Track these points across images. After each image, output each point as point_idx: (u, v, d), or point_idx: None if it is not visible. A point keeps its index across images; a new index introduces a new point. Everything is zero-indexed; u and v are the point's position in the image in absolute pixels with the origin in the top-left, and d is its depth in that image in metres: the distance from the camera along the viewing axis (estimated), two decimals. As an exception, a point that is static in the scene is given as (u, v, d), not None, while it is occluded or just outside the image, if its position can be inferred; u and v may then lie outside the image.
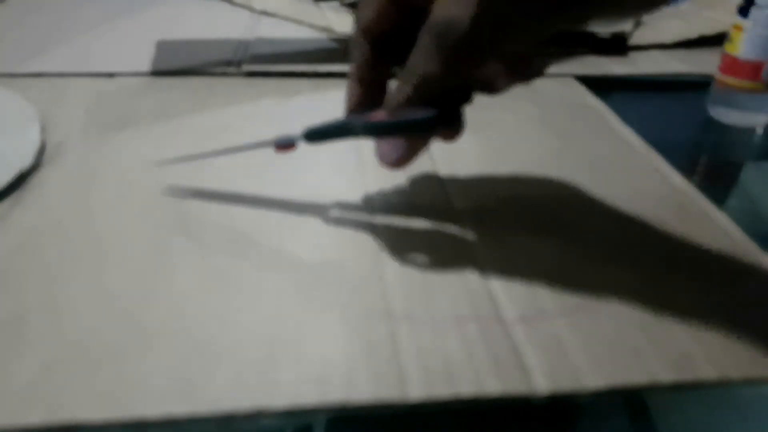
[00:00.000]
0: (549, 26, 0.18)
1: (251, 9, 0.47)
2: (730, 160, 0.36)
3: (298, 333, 0.20)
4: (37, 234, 0.24)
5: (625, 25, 0.47)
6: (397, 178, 0.28)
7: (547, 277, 0.22)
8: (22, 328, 0.19)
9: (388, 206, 0.27)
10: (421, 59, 0.19)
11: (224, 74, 0.42)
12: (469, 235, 0.25)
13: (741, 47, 0.35)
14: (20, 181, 0.28)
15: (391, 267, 0.23)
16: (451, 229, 0.25)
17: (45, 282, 0.22)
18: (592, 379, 0.18)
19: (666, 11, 0.52)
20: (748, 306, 0.21)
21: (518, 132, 0.34)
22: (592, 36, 0.46)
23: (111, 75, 0.41)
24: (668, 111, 0.40)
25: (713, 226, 0.26)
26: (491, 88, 0.21)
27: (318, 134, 0.24)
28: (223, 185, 0.28)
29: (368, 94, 0.23)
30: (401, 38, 0.21)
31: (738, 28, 0.35)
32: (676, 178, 0.29)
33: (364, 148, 0.31)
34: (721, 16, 0.49)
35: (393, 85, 0.22)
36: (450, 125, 0.22)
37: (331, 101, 0.38)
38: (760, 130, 0.38)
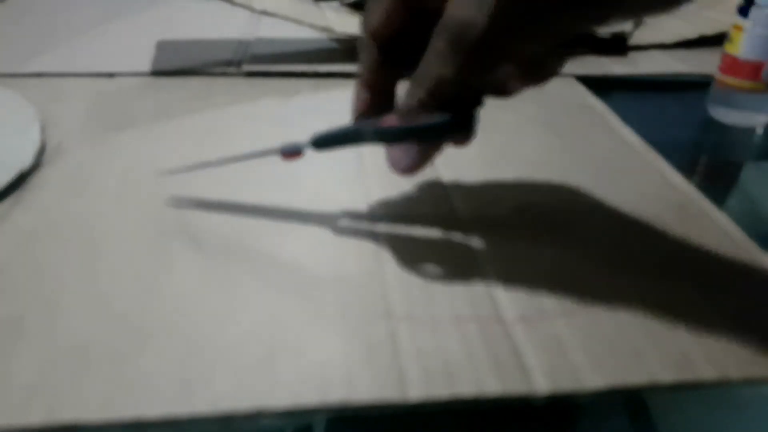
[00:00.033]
0: (569, 27, 0.18)
1: (251, 9, 0.47)
2: (730, 160, 0.36)
3: (298, 333, 0.20)
4: (36, 234, 0.24)
5: (625, 25, 0.47)
6: (398, 180, 0.28)
7: (547, 277, 0.22)
8: (22, 328, 0.19)
9: (389, 207, 0.27)
10: (435, 62, 0.19)
11: (224, 74, 0.42)
12: (470, 235, 0.25)
13: (741, 47, 0.35)
14: (20, 181, 0.28)
15: (391, 267, 0.23)
16: (452, 229, 0.25)
17: (45, 282, 0.22)
18: (592, 379, 0.18)
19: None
20: (748, 306, 0.21)
21: (518, 132, 0.34)
22: (592, 36, 0.46)
23: (111, 75, 0.41)
24: (668, 111, 0.40)
25: (713, 226, 0.26)
26: (504, 91, 0.21)
27: (326, 141, 0.23)
28: (223, 190, 0.28)
29: (376, 99, 0.23)
30: (410, 41, 0.21)
31: (738, 28, 0.35)
32: (676, 178, 0.29)
33: (365, 150, 0.31)
34: (721, 16, 0.49)
35: (401, 89, 0.22)
36: (464, 130, 0.21)
37: (331, 101, 0.38)
38: (760, 130, 0.38)
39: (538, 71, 0.20)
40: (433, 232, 0.25)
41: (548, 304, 0.21)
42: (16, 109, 0.34)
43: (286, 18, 0.44)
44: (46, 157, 0.30)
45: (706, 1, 0.54)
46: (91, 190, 0.27)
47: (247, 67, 0.42)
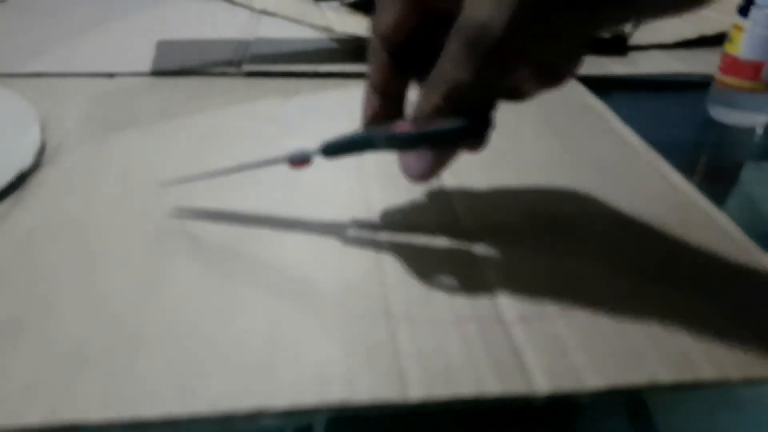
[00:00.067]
0: (590, 27, 0.17)
1: (251, 8, 0.47)
2: (730, 160, 0.36)
3: (298, 333, 0.20)
4: (36, 234, 0.24)
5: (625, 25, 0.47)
6: (397, 183, 0.28)
7: (546, 277, 0.22)
8: (21, 328, 0.19)
9: (389, 209, 0.27)
10: (451, 66, 0.18)
11: (224, 74, 0.42)
12: (469, 235, 0.25)
13: (741, 47, 0.35)
14: (20, 181, 0.28)
15: (391, 267, 0.23)
16: (452, 230, 0.25)
17: (45, 282, 0.22)
18: (592, 379, 0.18)
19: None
20: (748, 306, 0.21)
21: (518, 132, 0.34)
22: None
23: (111, 75, 0.41)
24: (668, 111, 0.41)
25: (713, 226, 0.26)
26: (518, 94, 0.20)
27: (336, 148, 0.22)
28: (222, 193, 0.28)
29: (387, 105, 0.22)
30: (420, 45, 0.20)
31: (738, 28, 0.35)
32: (676, 178, 0.29)
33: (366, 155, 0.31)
34: (721, 16, 0.49)
35: (412, 94, 0.21)
36: (480, 134, 0.20)
37: (331, 101, 0.38)
38: (760, 130, 0.38)
39: (555, 73, 0.20)
40: (433, 233, 0.25)
41: (548, 304, 0.21)
42: (16, 109, 0.34)
43: (286, 18, 0.44)
44: (46, 157, 0.30)
45: (706, 1, 0.54)
46: (91, 190, 0.27)
47: (247, 67, 0.42)
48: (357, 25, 0.45)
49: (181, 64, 0.42)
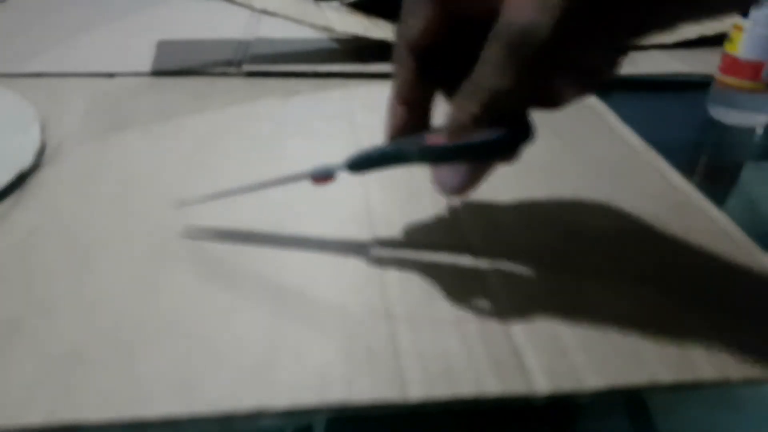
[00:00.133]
0: (638, 29, 0.16)
1: (251, 8, 0.47)
2: (730, 160, 0.36)
3: (298, 333, 0.20)
4: (36, 234, 0.24)
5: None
6: (399, 184, 0.28)
7: (546, 276, 0.22)
8: (22, 328, 0.19)
9: (390, 208, 0.27)
10: (491, 72, 0.17)
11: (224, 74, 0.42)
12: (469, 234, 0.25)
13: (741, 47, 0.35)
14: (20, 181, 0.28)
15: (391, 267, 0.23)
16: (451, 229, 0.25)
17: (45, 282, 0.22)
18: (592, 379, 0.18)
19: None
20: (748, 306, 0.21)
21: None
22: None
23: (111, 75, 0.41)
24: (668, 111, 0.40)
25: (713, 226, 0.26)
26: (557, 101, 0.19)
27: (364, 163, 0.21)
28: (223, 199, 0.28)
29: (413, 116, 0.21)
30: (448, 54, 0.19)
31: (738, 28, 0.35)
32: (676, 178, 0.29)
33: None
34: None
35: (438, 103, 0.20)
36: (520, 145, 0.19)
37: (331, 101, 0.38)
38: (760, 130, 0.38)
39: (594, 78, 0.19)
40: (432, 233, 0.25)
41: (548, 304, 0.21)
42: (16, 109, 0.34)
43: (286, 18, 0.44)
44: (46, 157, 0.30)
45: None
46: (90, 191, 0.27)
47: (247, 67, 0.42)
48: (357, 25, 0.45)
49: (181, 64, 0.42)
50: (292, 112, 0.36)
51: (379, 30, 0.44)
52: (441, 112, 0.21)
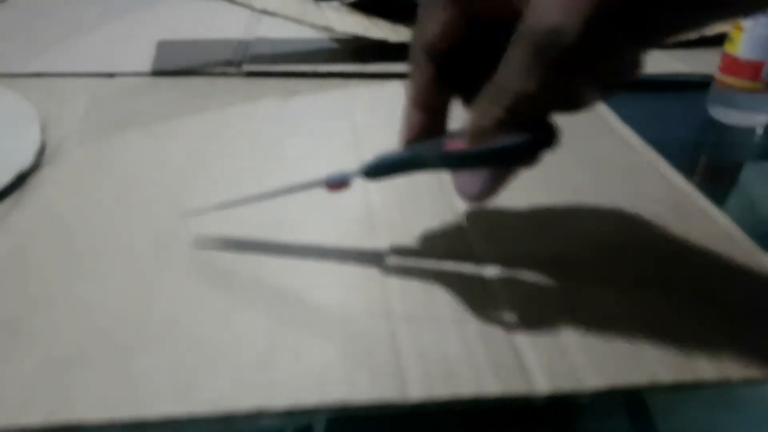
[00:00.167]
0: (670, 28, 0.16)
1: (251, 8, 0.47)
2: (730, 160, 0.36)
3: (298, 333, 0.20)
4: (37, 234, 0.24)
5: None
6: (400, 184, 0.28)
7: (546, 276, 0.22)
8: (22, 328, 0.19)
9: (390, 208, 0.27)
10: (516, 75, 0.16)
11: (224, 74, 0.42)
12: (469, 234, 0.25)
13: (741, 47, 0.35)
14: (20, 181, 0.28)
15: (391, 267, 0.23)
16: (451, 229, 0.25)
17: (45, 282, 0.22)
18: (592, 379, 0.18)
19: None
20: (748, 306, 0.21)
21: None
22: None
23: (111, 75, 0.41)
24: (668, 111, 0.40)
25: (713, 226, 0.26)
26: (579, 104, 0.18)
27: (381, 170, 0.20)
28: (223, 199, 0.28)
29: (429, 122, 0.21)
30: (465, 57, 0.19)
31: (738, 28, 0.35)
32: (676, 178, 0.29)
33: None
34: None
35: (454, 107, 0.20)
36: (545, 149, 0.18)
37: (331, 101, 0.38)
38: (760, 130, 0.38)
39: (617, 79, 0.18)
40: (432, 233, 0.25)
41: (548, 303, 0.21)
42: (16, 109, 0.34)
43: (286, 18, 0.44)
44: (46, 157, 0.30)
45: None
46: (90, 191, 0.27)
47: (247, 67, 0.42)
48: (357, 25, 0.45)
49: (181, 64, 0.42)
50: (292, 112, 0.36)
51: (379, 30, 0.44)
52: (457, 117, 0.20)
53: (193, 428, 0.17)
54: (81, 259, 0.23)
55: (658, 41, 0.16)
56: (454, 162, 0.19)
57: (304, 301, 0.21)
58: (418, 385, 0.18)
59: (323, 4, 0.50)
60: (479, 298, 0.21)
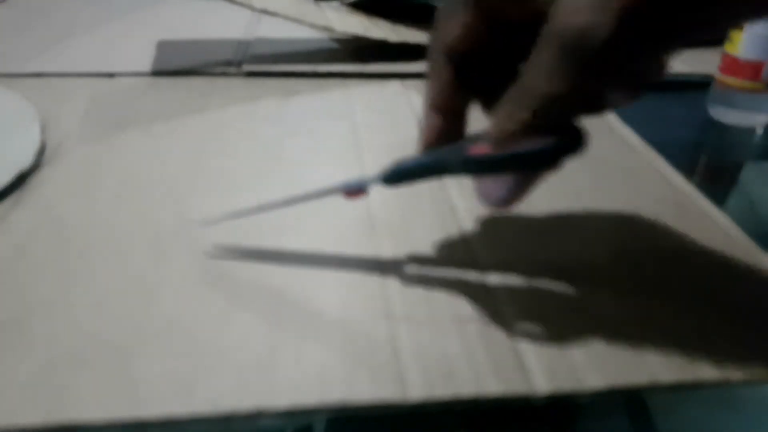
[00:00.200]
0: (704, 30, 0.15)
1: (251, 8, 0.47)
2: (730, 160, 0.36)
3: (298, 333, 0.20)
4: (37, 234, 0.24)
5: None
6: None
7: (546, 276, 0.22)
8: (22, 329, 0.19)
9: (391, 208, 0.27)
10: (544, 77, 0.16)
11: (224, 74, 0.42)
12: (469, 234, 0.25)
13: (741, 47, 0.35)
14: (20, 181, 0.28)
15: (391, 267, 0.23)
16: (452, 229, 0.25)
17: (45, 282, 0.22)
18: (592, 379, 0.18)
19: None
20: (748, 306, 0.21)
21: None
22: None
23: (111, 75, 0.41)
24: (668, 111, 0.40)
25: (713, 226, 0.26)
26: (604, 107, 0.18)
27: (401, 176, 0.20)
28: (224, 201, 0.28)
29: (448, 126, 0.20)
30: (485, 60, 0.19)
31: (738, 28, 0.35)
32: (676, 178, 0.29)
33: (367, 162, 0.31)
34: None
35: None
36: (573, 153, 0.18)
37: (331, 101, 0.38)
38: (760, 130, 0.38)
39: (644, 80, 0.17)
40: (432, 233, 0.25)
41: (548, 304, 0.21)
42: (16, 109, 0.34)
43: (286, 18, 0.44)
44: (46, 157, 0.30)
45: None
46: (90, 191, 0.27)
47: (247, 67, 0.42)
48: (357, 25, 0.45)
49: (181, 64, 0.42)
50: (292, 112, 0.36)
51: (379, 30, 0.44)
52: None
53: (193, 428, 0.17)
54: (81, 259, 0.23)
55: (692, 40, 0.16)
56: (478, 167, 0.19)
57: (304, 301, 0.21)
58: (418, 385, 0.18)
59: (323, 4, 0.50)
60: (479, 298, 0.21)
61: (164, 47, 0.46)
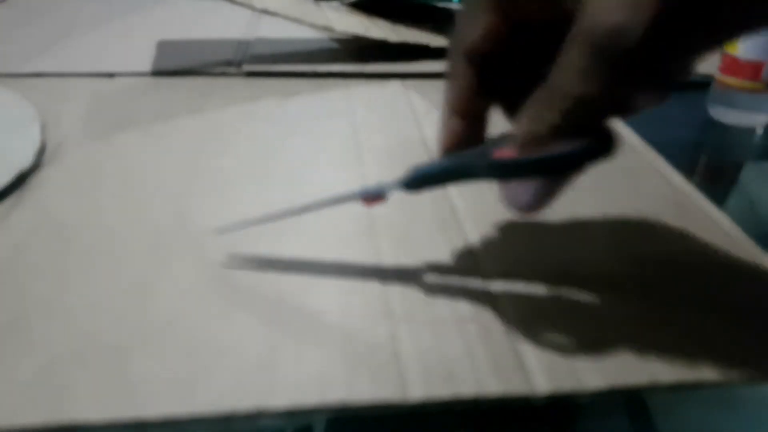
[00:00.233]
0: (739, 29, 0.15)
1: (251, 8, 0.47)
2: (730, 160, 0.36)
3: (298, 333, 0.20)
4: (37, 234, 0.24)
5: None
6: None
7: (546, 277, 0.22)
8: (22, 329, 0.19)
9: (391, 209, 0.27)
10: (575, 78, 0.15)
11: (224, 74, 0.42)
12: (470, 236, 0.25)
13: (741, 47, 0.35)
14: (20, 181, 0.28)
15: (391, 268, 0.23)
16: (452, 230, 0.25)
17: (45, 282, 0.22)
18: (592, 379, 0.18)
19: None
20: (748, 306, 0.21)
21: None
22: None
23: (111, 75, 0.41)
24: (668, 111, 0.40)
25: (713, 226, 0.26)
26: (634, 108, 0.17)
27: (423, 181, 0.19)
28: (223, 199, 0.28)
29: (469, 129, 0.20)
30: (507, 62, 0.18)
31: (738, 28, 0.35)
32: (676, 178, 0.29)
33: (368, 164, 0.31)
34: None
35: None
36: (603, 156, 0.17)
37: (331, 101, 0.38)
38: (760, 130, 0.38)
39: (673, 81, 0.17)
40: (434, 234, 0.25)
41: (548, 304, 0.21)
42: (16, 109, 0.34)
43: (286, 17, 0.44)
44: (46, 157, 0.30)
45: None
46: (90, 191, 0.27)
47: (247, 67, 0.42)
48: (357, 25, 0.45)
49: (181, 64, 0.42)
50: (292, 112, 0.36)
51: (379, 30, 0.44)
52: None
53: (193, 428, 0.17)
54: (81, 259, 0.23)
55: (727, 40, 0.15)
56: (504, 171, 0.18)
57: (304, 301, 0.21)
58: (418, 385, 0.18)
59: (323, 4, 0.50)
60: (479, 298, 0.21)
61: (164, 47, 0.46)
